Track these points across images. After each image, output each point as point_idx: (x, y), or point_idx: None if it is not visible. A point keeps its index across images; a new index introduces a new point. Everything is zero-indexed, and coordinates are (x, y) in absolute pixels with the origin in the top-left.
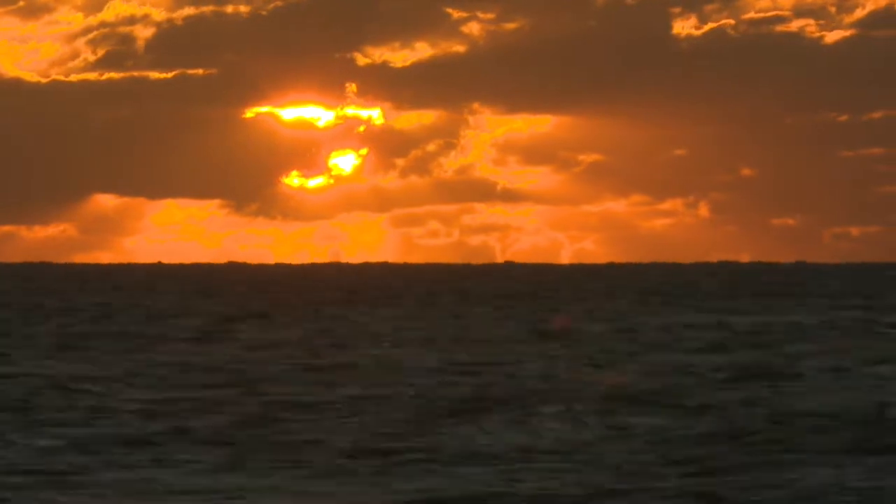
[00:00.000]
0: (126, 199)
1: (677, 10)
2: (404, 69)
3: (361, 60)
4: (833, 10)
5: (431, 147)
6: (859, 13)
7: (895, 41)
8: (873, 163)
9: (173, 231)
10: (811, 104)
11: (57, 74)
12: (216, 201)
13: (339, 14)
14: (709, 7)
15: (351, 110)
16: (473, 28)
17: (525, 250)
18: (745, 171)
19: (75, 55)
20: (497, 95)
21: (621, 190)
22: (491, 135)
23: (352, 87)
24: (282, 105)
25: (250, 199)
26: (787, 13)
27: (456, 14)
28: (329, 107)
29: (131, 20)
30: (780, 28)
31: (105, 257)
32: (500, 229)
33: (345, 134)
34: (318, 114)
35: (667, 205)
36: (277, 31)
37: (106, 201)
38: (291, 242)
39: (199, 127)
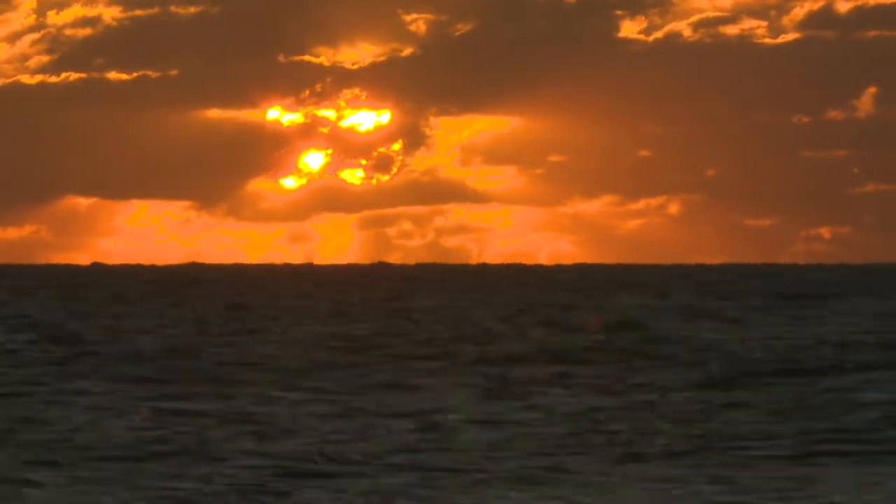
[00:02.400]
0: (95, 201)
1: (623, 12)
2: (362, 70)
3: (318, 62)
4: (773, 13)
5: (395, 148)
6: (798, 13)
7: (841, 43)
8: (838, 163)
9: (148, 232)
10: (768, 105)
11: (14, 76)
12: (185, 202)
13: (291, 16)
14: (654, 10)
15: (313, 111)
16: (426, 30)
17: (502, 252)
18: (710, 173)
19: (29, 57)
20: (455, 97)
21: (591, 191)
22: (455, 136)
23: (314, 89)
24: (244, 106)
25: (219, 200)
26: (728, 14)
27: (408, 16)
28: (291, 108)
29: (84, 22)
30: (727, 30)
31: (82, 258)
32: (475, 230)
33: (310, 135)
34: (281, 115)
35: (640, 205)
36: (231, 33)
37: (76, 202)
38: (265, 243)
39: (164, 128)
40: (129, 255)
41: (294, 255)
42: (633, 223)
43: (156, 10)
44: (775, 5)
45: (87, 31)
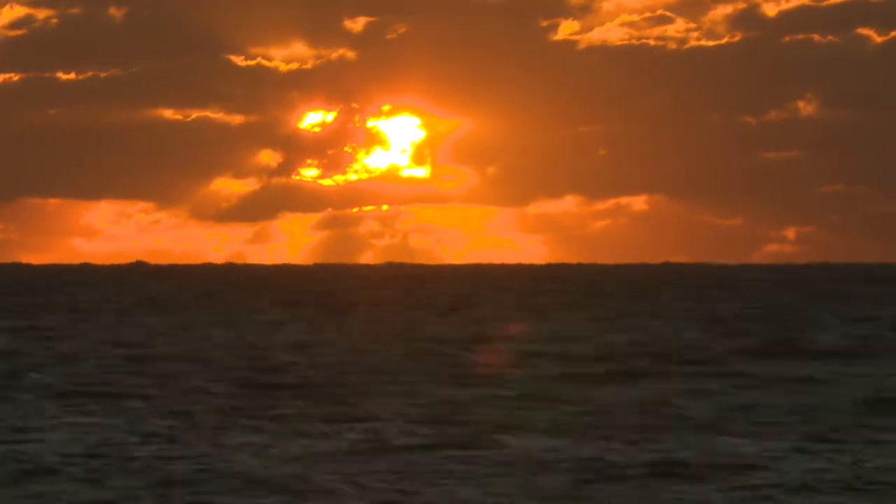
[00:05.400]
0: (60, 201)
1: (559, 16)
2: (310, 71)
3: (269, 64)
4: (702, 15)
5: (352, 146)
6: (722, 12)
7: (776, 45)
8: (794, 164)
9: (121, 231)
10: (716, 106)
11: None
12: (150, 203)
13: (228, 18)
14: (585, 13)
15: (266, 112)
16: (368, 32)
17: (475, 251)
18: (670, 172)
19: None
20: (405, 98)
21: (555, 191)
22: (410, 136)
23: (265, 90)
24: (194, 107)
25: (181, 201)
26: (662, 14)
27: (350, 19)
28: (243, 110)
29: (23, 22)
30: (664, 32)
31: (52, 257)
32: (442, 231)
33: (265, 136)
34: (233, 116)
35: (607, 204)
36: (171, 34)
37: (41, 202)
38: (232, 243)
39: (119, 129)
40: (109, 254)
41: (264, 255)
42: (600, 223)
43: (93, 9)
44: (705, 7)
45: (23, 31)
